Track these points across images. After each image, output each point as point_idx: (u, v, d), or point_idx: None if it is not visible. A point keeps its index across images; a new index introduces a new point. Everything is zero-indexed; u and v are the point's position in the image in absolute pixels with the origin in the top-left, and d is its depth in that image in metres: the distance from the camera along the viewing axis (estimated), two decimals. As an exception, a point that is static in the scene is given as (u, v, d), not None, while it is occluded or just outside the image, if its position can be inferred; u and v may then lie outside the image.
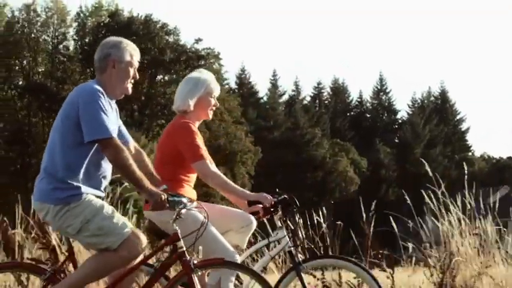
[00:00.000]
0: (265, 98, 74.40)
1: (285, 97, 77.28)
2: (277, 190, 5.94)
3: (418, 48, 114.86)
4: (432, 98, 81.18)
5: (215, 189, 6.03)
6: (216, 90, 5.98)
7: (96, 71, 5.25)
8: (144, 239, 5.14)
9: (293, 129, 67.40)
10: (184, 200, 5.17)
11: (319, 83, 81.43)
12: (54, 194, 4.98)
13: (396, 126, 78.88)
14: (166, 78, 56.92)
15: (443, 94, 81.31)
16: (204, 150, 5.74)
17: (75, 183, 5.01)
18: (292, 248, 5.72)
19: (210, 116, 6.01)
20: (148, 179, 5.10)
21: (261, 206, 5.74)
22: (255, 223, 5.82)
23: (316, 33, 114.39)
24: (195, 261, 5.19)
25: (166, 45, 54.49)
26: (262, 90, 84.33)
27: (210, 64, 56.02)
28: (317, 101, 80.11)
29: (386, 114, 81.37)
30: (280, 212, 5.76)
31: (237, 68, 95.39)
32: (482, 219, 8.27)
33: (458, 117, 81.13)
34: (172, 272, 5.83)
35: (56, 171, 5.01)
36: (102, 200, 5.17)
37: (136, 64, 5.30)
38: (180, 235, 5.18)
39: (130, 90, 5.31)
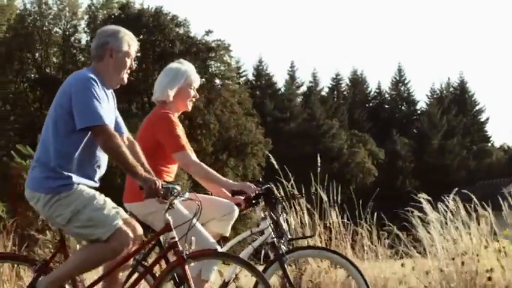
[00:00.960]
0: (282, 90, 74.26)
1: (303, 88, 77.21)
2: (260, 180, 5.89)
3: (437, 39, 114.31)
4: (451, 89, 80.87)
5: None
6: (196, 82, 5.96)
7: (93, 59, 5.21)
8: (139, 229, 5.10)
9: (309, 120, 67.25)
10: (178, 187, 5.12)
11: (337, 74, 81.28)
12: (45, 183, 4.96)
13: (415, 117, 78.60)
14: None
15: (462, 85, 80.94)
16: (185, 141, 5.69)
17: (67, 173, 4.97)
18: (275, 239, 5.66)
19: (189, 108, 5.99)
20: None
21: (243, 197, 5.67)
22: (237, 211, 5.78)
23: (334, 25, 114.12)
24: (187, 252, 5.14)
25: (177, 37, 54.45)
26: (281, 81, 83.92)
27: (220, 56, 55.84)
28: (335, 92, 79.94)
29: (405, 105, 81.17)
30: (262, 203, 5.69)
31: (255, 60, 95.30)
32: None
33: (477, 107, 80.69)
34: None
35: (48, 160, 4.98)
36: (96, 190, 5.13)
37: (133, 54, 5.26)
38: (172, 225, 5.13)
39: (125, 80, 5.27)
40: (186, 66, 5.95)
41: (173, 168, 5.81)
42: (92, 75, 5.04)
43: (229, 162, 53.02)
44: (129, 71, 5.26)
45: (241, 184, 5.80)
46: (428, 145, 69.73)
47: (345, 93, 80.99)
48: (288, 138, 61.95)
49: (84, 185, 5.03)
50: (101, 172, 5.19)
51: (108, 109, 5.09)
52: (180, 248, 5.12)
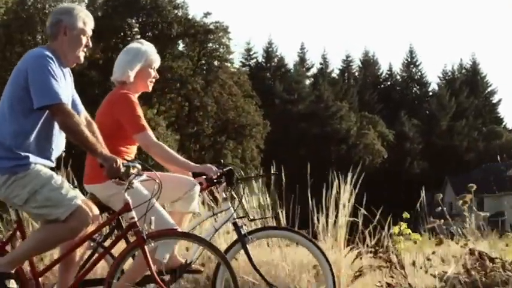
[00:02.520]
0: (292, 72, 74.15)
1: (313, 70, 77.08)
2: (221, 161, 5.83)
3: (449, 20, 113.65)
4: (463, 71, 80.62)
5: None
6: (157, 62, 5.87)
7: (48, 38, 5.13)
8: (95, 210, 5.05)
9: (317, 102, 67.17)
10: (138, 165, 5.05)
11: (348, 56, 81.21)
12: (1, 163, 4.87)
13: (428, 98, 78.48)
14: (174, 52, 56.56)
15: (474, 66, 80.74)
16: (145, 121, 5.62)
17: (23, 153, 4.89)
18: (237, 220, 5.62)
19: (150, 88, 5.90)
20: None
21: (204, 177, 5.63)
22: (198, 187, 5.70)
23: (345, 6, 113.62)
24: (147, 232, 5.09)
25: (175, 19, 54.32)
26: (291, 63, 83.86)
27: (218, 38, 55.67)
28: (345, 74, 79.81)
29: (416, 87, 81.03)
30: (224, 184, 5.65)
31: (264, 42, 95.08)
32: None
33: (489, 89, 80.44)
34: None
35: (3, 140, 4.90)
36: (53, 170, 5.07)
37: (89, 32, 5.16)
38: (131, 205, 5.07)
39: (82, 59, 5.19)
40: (146, 46, 5.87)
41: (133, 149, 5.74)
42: (48, 53, 4.97)
43: (228, 145, 53.00)
44: (85, 49, 5.18)
45: (202, 166, 5.70)
46: (437, 127, 69.61)
47: (356, 74, 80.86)
48: (296, 120, 61.89)
49: (41, 165, 4.95)
50: (58, 152, 5.12)
51: (65, 87, 5.01)
52: (140, 228, 5.06)
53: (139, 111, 5.61)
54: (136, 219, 5.06)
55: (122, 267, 5.14)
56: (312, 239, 5.79)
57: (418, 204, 7.65)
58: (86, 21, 5.12)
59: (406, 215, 6.71)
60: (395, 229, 6.60)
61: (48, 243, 4.96)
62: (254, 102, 55.78)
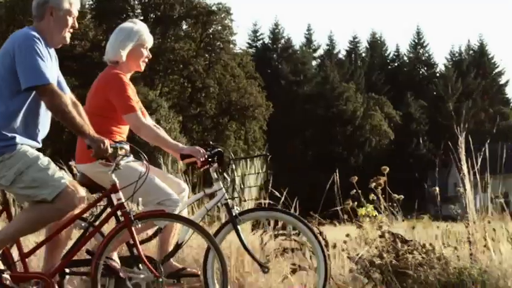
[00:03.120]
0: (298, 53, 73.99)
1: (319, 52, 76.91)
2: (210, 143, 5.81)
3: (457, 1, 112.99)
4: (471, 52, 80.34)
5: None
6: (149, 41, 5.85)
7: (34, 19, 5.11)
8: (81, 191, 5.04)
9: (323, 83, 67.08)
10: (126, 146, 5.05)
11: (354, 37, 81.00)
12: None
13: (436, 79, 78.31)
14: (176, 33, 56.35)
15: (481, 47, 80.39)
16: (136, 102, 5.60)
17: (9, 134, 4.88)
18: (228, 201, 5.60)
19: (142, 68, 5.89)
20: None
21: (194, 159, 5.61)
22: (187, 191, 5.71)
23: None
24: (135, 213, 5.08)
25: (177, 0, 54.07)
26: (297, 45, 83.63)
27: (220, 19, 55.40)
28: (352, 55, 79.61)
29: (424, 68, 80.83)
30: (215, 164, 5.62)
31: (271, 23, 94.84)
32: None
33: (496, 70, 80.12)
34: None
35: None
36: (39, 151, 5.06)
37: (75, 13, 5.13)
38: (118, 186, 5.07)
39: (68, 40, 5.17)
40: (139, 26, 5.84)
41: (125, 129, 5.72)
42: (35, 33, 4.95)
43: (230, 126, 52.92)
44: (71, 30, 5.16)
45: (190, 148, 5.67)
46: (443, 108, 69.48)
47: (363, 55, 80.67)
48: (301, 101, 61.80)
49: (27, 146, 4.94)
50: (44, 133, 5.11)
51: (51, 68, 5.01)
52: (127, 209, 5.06)
53: (130, 92, 5.59)
54: (123, 200, 5.06)
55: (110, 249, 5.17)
56: (303, 220, 5.75)
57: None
58: (72, 2, 5.10)
59: (372, 196, 6.71)
60: (361, 211, 6.59)
61: (35, 224, 4.95)
62: (257, 84, 55.67)
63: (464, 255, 6.20)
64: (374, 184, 6.49)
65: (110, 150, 4.92)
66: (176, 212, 5.58)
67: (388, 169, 6.65)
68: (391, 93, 72.87)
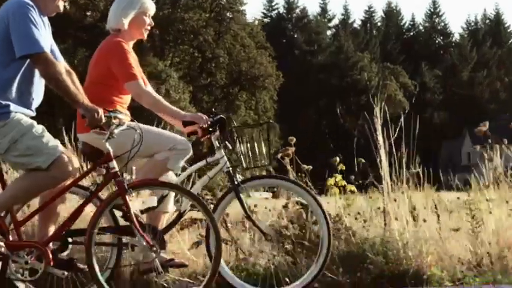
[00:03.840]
0: (313, 23, 73.73)
1: (334, 21, 76.58)
2: (213, 110, 5.78)
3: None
4: (487, 21, 79.84)
5: None
6: (152, 9, 5.80)
7: None
8: (75, 161, 5.03)
9: (337, 53, 66.81)
10: (120, 116, 5.03)
11: (370, 7, 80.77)
12: None
13: (451, 49, 77.94)
14: (186, 3, 55.96)
15: (497, 16, 79.88)
16: (137, 70, 5.57)
17: (3, 102, 4.88)
18: (230, 169, 5.55)
19: (145, 35, 5.84)
20: None
21: (196, 126, 5.57)
22: (190, 149, 5.66)
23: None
24: (129, 182, 5.08)
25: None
26: (312, 15, 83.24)
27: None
28: (368, 25, 79.26)
29: (440, 37, 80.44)
30: (217, 132, 5.58)
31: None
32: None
33: (513, 39, 79.64)
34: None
35: None
36: (33, 119, 5.05)
37: None
38: (112, 155, 5.06)
39: (61, 8, 5.14)
40: None
41: (126, 99, 5.69)
42: (29, 1, 4.92)
43: (241, 96, 52.74)
44: None
45: (193, 115, 5.63)
46: (458, 77, 69.19)
47: (378, 25, 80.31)
48: (315, 71, 61.60)
49: (21, 114, 4.94)
50: (38, 101, 5.10)
51: (45, 36, 4.99)
52: (121, 178, 5.05)
53: (132, 60, 5.54)
54: (117, 168, 5.05)
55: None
56: (306, 187, 5.73)
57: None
58: None
59: (342, 166, 6.68)
60: (330, 180, 6.58)
61: (30, 192, 4.96)
62: (268, 54, 55.41)
63: (376, 226, 6.30)
64: (281, 155, 6.54)
65: (104, 119, 4.92)
66: (175, 182, 5.58)
67: (294, 139, 6.70)
68: (407, 63, 72.54)
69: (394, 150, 6.69)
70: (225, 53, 51.65)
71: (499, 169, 7.07)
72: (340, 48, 67.58)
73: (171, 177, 5.65)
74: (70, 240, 5.15)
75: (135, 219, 5.01)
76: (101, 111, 4.88)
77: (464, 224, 6.60)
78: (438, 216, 5.97)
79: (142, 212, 5.32)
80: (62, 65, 5.19)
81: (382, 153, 6.49)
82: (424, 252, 6.09)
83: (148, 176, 5.37)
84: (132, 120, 5.31)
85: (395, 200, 6.39)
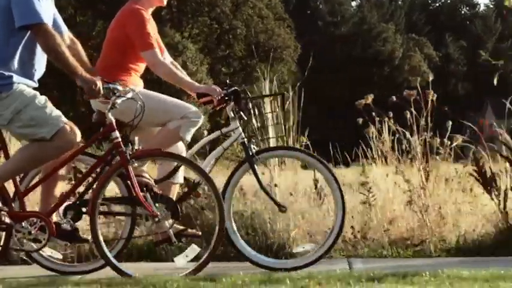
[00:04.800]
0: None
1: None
2: (227, 82, 5.75)
3: None
4: (514, -10, 78.91)
5: None
6: None
7: None
8: (78, 131, 5.05)
9: (361, 24, 66.36)
10: (119, 87, 5.04)
11: (395, -23, 79.74)
12: None
13: (476, 20, 77.24)
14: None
15: (524, -13, 78.83)
16: (154, 39, 5.53)
17: (6, 73, 4.91)
18: (245, 140, 5.55)
19: (165, 2, 5.80)
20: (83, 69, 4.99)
21: (210, 98, 5.57)
22: (202, 118, 5.65)
23: None
24: (131, 152, 5.09)
25: None
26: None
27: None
28: (393, -5, 78.62)
29: (466, 8, 79.69)
30: (232, 103, 5.56)
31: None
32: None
33: (541, 9, 78.71)
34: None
35: None
36: (36, 90, 5.06)
37: None
38: (114, 125, 5.07)
39: None
40: None
41: (141, 67, 5.67)
42: None
43: (259, 68, 52.37)
44: None
45: (207, 87, 5.65)
46: (482, 49, 68.60)
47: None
48: (338, 42, 61.25)
49: (24, 85, 4.97)
50: (40, 72, 5.13)
51: (46, 7, 5.01)
52: (123, 148, 5.06)
53: (150, 29, 5.53)
54: (119, 139, 5.06)
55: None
56: (320, 159, 5.73)
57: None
58: None
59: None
60: None
61: (34, 161, 5.00)
62: (286, 25, 55.00)
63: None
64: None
65: (103, 91, 4.93)
66: (185, 155, 5.58)
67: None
68: (432, 34, 71.95)
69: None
70: (242, 25, 51.35)
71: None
72: (364, 19, 67.11)
73: (180, 148, 5.65)
74: (84, 210, 5.18)
75: (138, 190, 5.03)
76: (99, 83, 4.93)
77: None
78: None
79: (156, 182, 5.36)
80: (64, 35, 5.21)
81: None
82: (291, 226, 6.26)
83: (161, 145, 5.40)
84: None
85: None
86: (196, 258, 5.25)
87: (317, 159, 5.69)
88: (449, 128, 7.13)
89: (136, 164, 5.11)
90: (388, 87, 59.29)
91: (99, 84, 4.93)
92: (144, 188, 5.17)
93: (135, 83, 5.53)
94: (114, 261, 5.10)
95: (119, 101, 5.07)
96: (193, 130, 5.54)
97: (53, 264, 5.40)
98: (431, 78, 7.91)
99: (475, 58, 67.68)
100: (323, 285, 4.54)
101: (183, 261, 5.22)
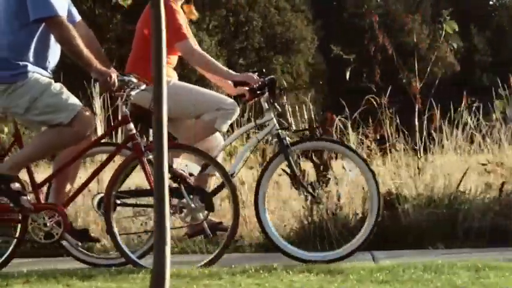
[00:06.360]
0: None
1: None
2: (263, 70, 5.69)
3: None
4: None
5: None
6: None
7: None
8: (93, 117, 5.07)
9: (385, 15, 65.98)
10: (133, 80, 5.05)
11: (422, -33, 79.23)
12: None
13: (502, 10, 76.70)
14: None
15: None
16: (187, 30, 5.50)
17: (21, 63, 4.94)
18: (279, 131, 5.51)
19: None
20: (97, 60, 5.00)
21: (247, 88, 5.50)
22: (238, 109, 5.60)
23: None
24: (146, 144, 5.10)
25: None
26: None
27: None
28: (418, -15, 78.11)
29: (493, -2, 79.15)
30: (267, 94, 5.49)
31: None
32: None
33: None
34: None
35: (1, 52, 4.97)
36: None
37: None
38: (129, 117, 5.08)
39: None
40: None
41: (174, 59, 5.67)
42: None
43: (276, 60, 52.02)
44: None
45: (244, 75, 5.54)
46: (508, 39, 68.05)
47: (430, -15, 79.16)
48: (362, 33, 60.93)
49: (38, 74, 4.99)
50: (54, 64, 5.15)
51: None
52: (138, 140, 5.07)
53: (181, 20, 5.52)
54: (134, 131, 5.07)
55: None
56: (355, 150, 5.74)
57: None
58: None
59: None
60: None
61: (51, 146, 5.03)
62: (304, 16, 54.69)
63: None
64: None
65: (118, 83, 4.94)
66: (221, 146, 5.61)
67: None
68: (458, 25, 71.53)
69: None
70: (259, 17, 51.18)
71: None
72: (388, 10, 66.78)
73: (219, 139, 5.63)
74: (118, 202, 5.20)
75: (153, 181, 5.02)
76: (113, 75, 4.93)
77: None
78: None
79: (190, 174, 5.35)
80: (81, 24, 5.22)
81: None
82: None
83: (197, 137, 5.40)
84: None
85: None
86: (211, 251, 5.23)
87: (352, 149, 5.69)
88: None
89: (151, 156, 5.10)
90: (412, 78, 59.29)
91: (114, 76, 4.93)
92: (179, 180, 5.17)
93: (169, 74, 5.51)
94: (129, 253, 5.11)
95: (133, 93, 5.08)
96: (229, 122, 5.51)
97: (87, 257, 5.40)
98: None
99: (500, 49, 67.35)
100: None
101: None
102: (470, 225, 6.26)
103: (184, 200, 5.13)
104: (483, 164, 6.65)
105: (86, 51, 4.94)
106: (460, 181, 6.65)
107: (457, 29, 7.60)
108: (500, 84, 8.36)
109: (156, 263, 3.56)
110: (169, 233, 3.56)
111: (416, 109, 7.17)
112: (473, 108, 7.63)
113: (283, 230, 6.29)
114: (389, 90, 7.36)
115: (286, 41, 51.05)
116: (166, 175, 3.57)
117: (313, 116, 7.33)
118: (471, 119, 7.41)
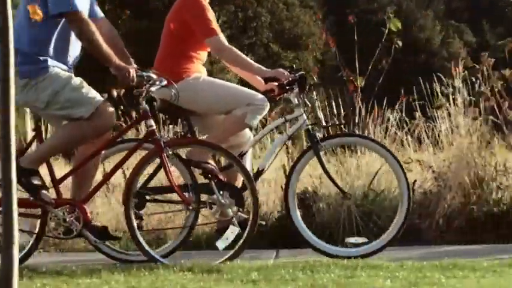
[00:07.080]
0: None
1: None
2: (293, 66, 5.68)
3: None
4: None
5: None
6: None
7: None
8: (114, 111, 5.07)
9: (397, 11, 65.85)
10: (153, 76, 5.04)
11: (434, -38, 78.98)
12: (21, 68, 4.92)
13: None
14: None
15: None
16: (216, 26, 5.50)
17: (41, 57, 4.95)
18: (309, 126, 5.50)
19: None
20: (119, 57, 5.00)
21: (276, 83, 5.49)
22: (268, 105, 5.57)
23: None
24: (166, 140, 5.09)
25: None
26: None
27: None
28: (431, -19, 77.90)
29: (507, -6, 78.87)
30: (296, 90, 5.48)
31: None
32: None
33: None
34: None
35: (22, 47, 4.97)
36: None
37: None
38: (149, 113, 5.07)
39: None
40: None
41: (203, 55, 5.64)
42: None
43: (285, 55, 51.97)
44: None
45: (274, 71, 5.52)
46: (517, 35, 67.96)
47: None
48: (374, 30, 60.84)
49: (59, 68, 5.00)
50: (74, 59, 5.15)
51: None
52: (158, 136, 5.07)
53: (210, 15, 5.50)
54: (154, 127, 5.06)
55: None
56: (384, 145, 5.74)
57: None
58: None
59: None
60: None
61: (72, 140, 5.04)
62: (312, 12, 54.58)
63: None
64: None
65: (137, 79, 4.94)
66: (251, 142, 5.60)
67: None
68: (472, 21, 71.38)
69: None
70: (266, 12, 51.15)
71: None
72: (400, 6, 66.68)
73: (248, 135, 5.63)
74: (148, 197, 5.19)
75: (172, 178, 5.01)
76: (132, 71, 4.94)
77: None
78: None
79: (221, 169, 5.36)
80: (99, 21, 5.21)
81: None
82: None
83: (227, 132, 5.40)
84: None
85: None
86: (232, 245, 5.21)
87: (380, 145, 5.68)
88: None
89: (170, 152, 5.09)
90: (425, 74, 59.15)
91: (132, 72, 4.93)
92: (209, 175, 5.17)
93: (199, 70, 5.52)
94: (148, 248, 5.10)
95: (153, 89, 5.07)
96: (259, 117, 5.49)
97: (115, 252, 5.40)
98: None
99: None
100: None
101: (222, 244, 5.15)
102: (384, 223, 6.11)
103: (214, 196, 5.12)
104: (405, 162, 6.61)
105: (106, 47, 4.93)
106: (372, 179, 6.62)
107: (400, 27, 7.57)
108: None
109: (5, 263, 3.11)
110: (17, 235, 3.14)
111: (357, 107, 7.16)
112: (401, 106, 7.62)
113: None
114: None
115: (295, 37, 50.97)
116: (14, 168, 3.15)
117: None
118: (393, 117, 7.36)
